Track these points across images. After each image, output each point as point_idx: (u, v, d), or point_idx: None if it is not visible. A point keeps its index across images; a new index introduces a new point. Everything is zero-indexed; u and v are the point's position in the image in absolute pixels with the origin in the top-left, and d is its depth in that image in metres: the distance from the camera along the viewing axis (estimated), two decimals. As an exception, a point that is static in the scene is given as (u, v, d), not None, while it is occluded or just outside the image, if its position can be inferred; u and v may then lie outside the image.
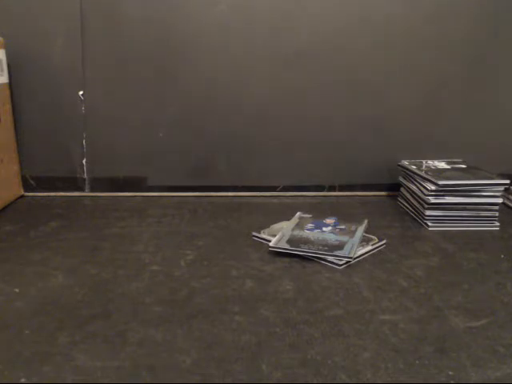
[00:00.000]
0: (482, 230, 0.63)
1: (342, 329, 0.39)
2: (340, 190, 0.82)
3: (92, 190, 0.79)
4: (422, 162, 0.75)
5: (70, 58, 0.74)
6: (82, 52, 0.74)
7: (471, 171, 0.69)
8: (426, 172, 0.68)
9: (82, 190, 0.79)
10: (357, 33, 0.76)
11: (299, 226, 0.60)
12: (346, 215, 0.65)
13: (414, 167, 0.71)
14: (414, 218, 0.67)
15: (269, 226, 0.62)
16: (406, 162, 0.75)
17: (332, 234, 0.57)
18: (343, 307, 0.42)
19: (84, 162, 0.78)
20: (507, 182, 0.64)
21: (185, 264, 0.51)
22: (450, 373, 0.33)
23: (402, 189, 0.76)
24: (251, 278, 0.48)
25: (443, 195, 0.64)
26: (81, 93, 0.76)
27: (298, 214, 0.65)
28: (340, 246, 0.53)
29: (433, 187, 0.64)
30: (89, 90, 0.76)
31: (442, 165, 0.74)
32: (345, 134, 0.79)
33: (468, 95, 0.78)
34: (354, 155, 0.80)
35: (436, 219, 0.64)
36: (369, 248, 0.55)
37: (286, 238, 0.56)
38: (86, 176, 0.79)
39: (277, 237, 0.56)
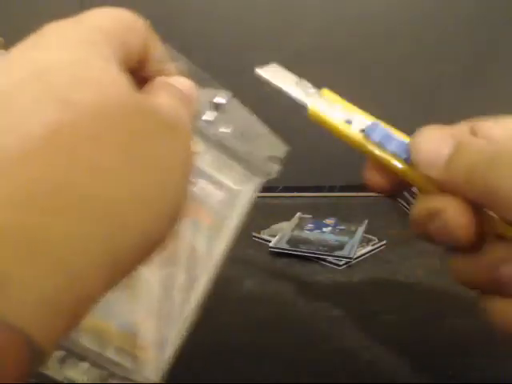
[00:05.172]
0: (482, 231, 0.63)
1: (341, 329, 0.39)
2: (340, 190, 0.82)
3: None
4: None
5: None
6: (82, 52, 0.74)
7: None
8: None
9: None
10: (356, 33, 0.76)
11: (299, 226, 0.60)
12: (345, 215, 0.65)
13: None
14: (414, 219, 0.67)
15: (269, 227, 0.62)
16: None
17: (332, 235, 0.57)
18: (343, 307, 0.42)
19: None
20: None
21: (185, 264, 0.51)
22: (450, 372, 0.33)
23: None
24: (251, 278, 0.48)
25: (443, 195, 0.64)
26: (81, 93, 0.76)
27: (298, 214, 0.65)
28: (340, 247, 0.53)
29: (433, 187, 0.64)
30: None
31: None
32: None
33: (468, 95, 0.78)
34: (354, 155, 0.80)
35: (436, 219, 0.64)
36: (369, 248, 0.55)
37: (286, 238, 0.56)
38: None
39: (277, 237, 0.56)
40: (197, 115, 0.24)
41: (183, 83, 0.22)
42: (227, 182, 0.28)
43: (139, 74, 0.21)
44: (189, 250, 0.27)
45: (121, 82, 0.17)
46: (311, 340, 0.37)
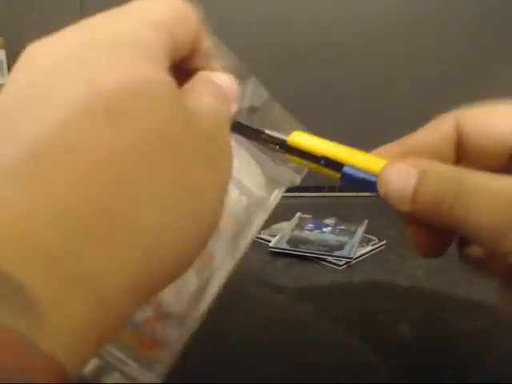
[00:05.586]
0: (482, 231, 0.63)
1: (341, 329, 0.39)
2: (340, 191, 0.81)
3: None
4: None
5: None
6: (82, 52, 0.74)
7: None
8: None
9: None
10: (356, 33, 0.76)
11: (299, 226, 0.60)
12: (345, 215, 0.65)
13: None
14: (414, 219, 0.67)
15: (269, 227, 0.61)
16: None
17: (332, 235, 0.57)
18: (343, 307, 0.42)
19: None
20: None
21: (185, 264, 0.51)
22: (450, 372, 0.33)
23: (402, 189, 0.75)
24: (251, 278, 0.48)
25: (443, 195, 0.64)
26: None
27: (298, 214, 0.65)
28: (340, 247, 0.53)
29: (433, 187, 0.64)
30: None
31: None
32: (345, 133, 0.78)
33: (468, 95, 0.78)
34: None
35: (436, 219, 0.64)
36: (369, 248, 0.55)
37: (286, 238, 0.56)
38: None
39: (277, 237, 0.56)
40: (236, 115, 0.23)
41: (225, 81, 0.21)
42: (253, 187, 0.27)
43: (183, 65, 0.20)
44: (205, 256, 0.26)
45: (168, 93, 0.16)
46: (311, 340, 0.37)
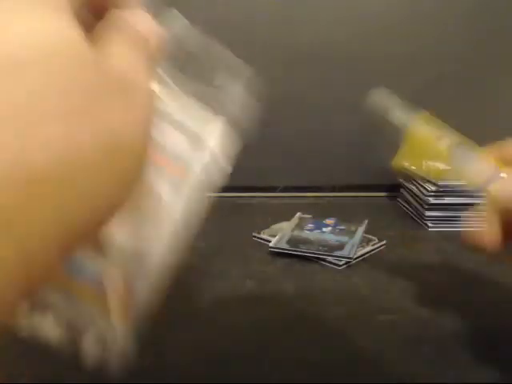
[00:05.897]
0: (481, 231, 0.63)
1: (341, 329, 0.39)
2: (340, 191, 0.82)
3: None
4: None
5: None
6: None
7: (471, 172, 0.69)
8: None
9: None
10: (356, 33, 0.76)
11: (299, 226, 0.60)
12: (345, 216, 0.65)
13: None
14: (414, 219, 0.67)
15: (269, 227, 0.62)
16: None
17: (332, 235, 0.57)
18: (343, 307, 0.42)
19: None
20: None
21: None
22: (450, 372, 0.33)
23: (402, 189, 0.76)
24: (251, 278, 0.48)
25: (443, 196, 0.64)
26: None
27: (298, 214, 0.65)
28: (340, 247, 0.53)
29: (433, 188, 0.64)
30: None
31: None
32: (345, 134, 0.78)
33: (468, 96, 0.78)
34: (353, 155, 0.80)
35: (436, 220, 0.64)
36: (369, 248, 0.55)
37: (286, 238, 0.56)
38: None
39: (277, 237, 0.56)
40: (161, 55, 0.21)
41: (143, 22, 0.20)
42: (190, 124, 0.25)
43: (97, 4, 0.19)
44: (155, 199, 0.24)
45: (73, 39, 0.15)
46: (311, 340, 0.37)
